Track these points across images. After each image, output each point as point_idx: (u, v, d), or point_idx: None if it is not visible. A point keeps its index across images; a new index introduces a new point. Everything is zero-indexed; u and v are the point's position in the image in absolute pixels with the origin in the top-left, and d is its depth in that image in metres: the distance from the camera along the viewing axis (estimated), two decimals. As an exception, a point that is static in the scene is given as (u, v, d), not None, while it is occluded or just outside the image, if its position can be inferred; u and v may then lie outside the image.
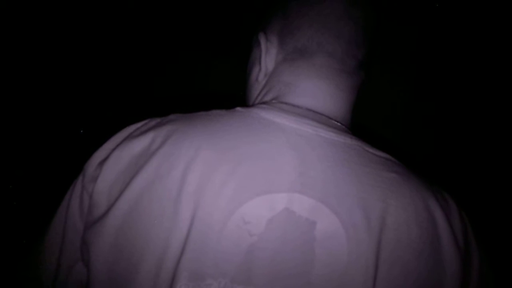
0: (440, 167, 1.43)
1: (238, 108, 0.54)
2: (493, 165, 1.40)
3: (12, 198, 1.30)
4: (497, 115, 1.40)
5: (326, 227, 0.45)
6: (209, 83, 1.41)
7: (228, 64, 1.36)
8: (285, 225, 0.45)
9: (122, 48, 1.44)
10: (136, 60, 1.45)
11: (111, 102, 1.43)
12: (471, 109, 1.43)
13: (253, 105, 0.56)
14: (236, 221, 0.45)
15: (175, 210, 0.45)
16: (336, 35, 0.55)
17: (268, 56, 0.58)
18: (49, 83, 1.40)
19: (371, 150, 0.52)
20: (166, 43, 1.44)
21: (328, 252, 0.44)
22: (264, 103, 0.56)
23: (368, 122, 1.36)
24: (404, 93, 1.46)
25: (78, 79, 1.43)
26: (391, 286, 0.45)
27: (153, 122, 0.52)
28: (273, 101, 0.56)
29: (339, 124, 0.55)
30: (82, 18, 1.40)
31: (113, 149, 0.50)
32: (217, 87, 1.37)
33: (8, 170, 1.32)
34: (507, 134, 1.38)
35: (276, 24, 0.58)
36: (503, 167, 1.39)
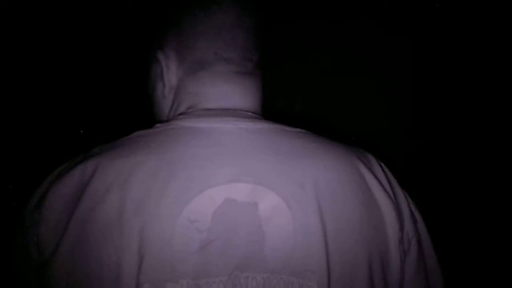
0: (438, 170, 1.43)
1: (158, 124, 0.56)
2: (488, 162, 1.40)
3: (12, 198, 1.30)
4: (494, 114, 1.40)
5: (267, 205, 0.48)
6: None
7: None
8: (230, 214, 0.48)
9: (122, 47, 1.44)
10: (136, 60, 1.45)
11: (111, 102, 1.43)
12: (466, 110, 1.43)
13: (170, 118, 0.60)
14: (183, 223, 0.47)
15: (120, 230, 0.46)
16: (230, 43, 0.59)
17: (169, 72, 0.60)
18: (49, 83, 1.40)
19: (289, 128, 0.56)
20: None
21: (275, 226, 0.48)
22: (180, 114, 0.59)
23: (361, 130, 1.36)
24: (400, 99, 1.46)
25: (78, 79, 1.43)
26: (341, 240, 0.49)
27: (79, 158, 0.54)
28: (189, 110, 0.59)
29: (253, 114, 0.59)
30: (82, 18, 1.40)
31: (46, 191, 0.51)
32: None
33: (8, 170, 1.32)
34: (504, 133, 1.38)
35: (171, 40, 0.60)
36: (497, 164, 1.39)
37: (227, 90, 0.59)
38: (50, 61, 1.40)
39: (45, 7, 1.35)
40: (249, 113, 0.58)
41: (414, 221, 0.56)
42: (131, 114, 1.43)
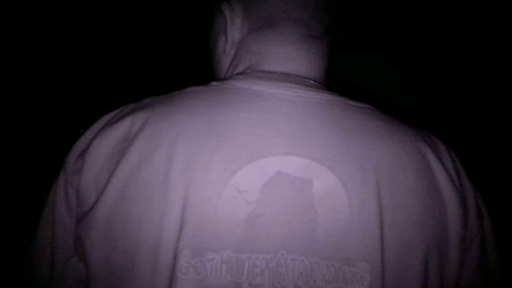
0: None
1: (213, 82, 0.53)
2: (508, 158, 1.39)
3: (12, 198, 1.30)
4: (495, 115, 1.40)
5: (323, 184, 0.45)
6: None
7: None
8: (281, 188, 0.45)
9: (122, 47, 1.44)
10: (136, 60, 1.45)
11: (111, 102, 1.42)
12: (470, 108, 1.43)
13: (227, 77, 0.56)
14: (230, 192, 0.44)
15: (165, 191, 0.44)
16: (301, 1, 0.55)
17: (233, 27, 0.56)
18: (48, 83, 1.40)
19: (353, 102, 0.52)
20: (166, 42, 1.44)
21: (329, 208, 0.44)
22: (238, 74, 0.55)
23: None
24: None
25: (78, 79, 1.43)
26: (398, 231, 0.45)
27: (129, 107, 0.51)
28: (247, 70, 0.55)
29: (316, 83, 0.54)
30: (81, 18, 1.40)
31: (92, 139, 0.49)
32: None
33: (8, 170, 1.32)
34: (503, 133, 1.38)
35: None
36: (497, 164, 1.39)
37: (292, 52, 0.55)
38: (50, 61, 1.40)
39: (45, 7, 1.35)
40: (312, 81, 0.54)
41: (480, 217, 0.51)
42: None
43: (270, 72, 0.53)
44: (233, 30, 0.56)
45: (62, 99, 1.41)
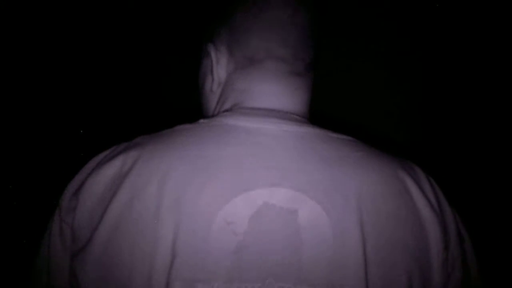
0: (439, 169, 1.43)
1: (202, 120, 0.55)
2: (501, 157, 1.40)
3: (12, 198, 1.30)
4: (494, 113, 1.40)
5: (308, 213, 0.47)
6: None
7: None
8: (268, 219, 0.47)
9: (122, 47, 1.44)
10: (136, 59, 1.45)
11: (111, 102, 1.43)
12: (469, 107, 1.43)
13: (214, 115, 0.59)
14: (219, 224, 0.46)
15: (156, 224, 0.46)
16: (282, 41, 0.57)
17: (219, 66, 0.59)
18: (49, 83, 1.40)
19: (335, 135, 0.55)
20: (166, 42, 1.44)
21: (314, 236, 0.47)
22: (225, 111, 0.58)
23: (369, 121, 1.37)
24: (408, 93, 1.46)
25: (78, 79, 1.43)
26: (381, 255, 0.48)
27: (121, 146, 0.54)
28: (234, 107, 0.57)
29: (299, 117, 0.57)
30: (82, 18, 1.40)
31: (85, 178, 0.51)
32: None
33: (8, 170, 1.32)
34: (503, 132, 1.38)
35: (223, 34, 0.58)
36: (496, 163, 1.39)
37: (275, 89, 0.57)
38: (50, 61, 1.40)
39: (45, 7, 1.35)
40: (295, 116, 0.57)
41: (461, 240, 0.53)
42: (131, 114, 1.43)
43: (254, 108, 0.56)
44: (219, 69, 0.59)
45: (62, 99, 1.41)
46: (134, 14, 1.43)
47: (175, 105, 1.33)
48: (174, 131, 0.54)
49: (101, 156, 0.54)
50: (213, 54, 0.59)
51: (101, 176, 0.50)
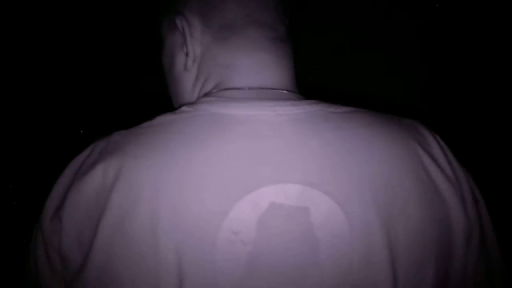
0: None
1: (184, 108, 0.48)
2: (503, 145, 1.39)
3: (12, 198, 1.30)
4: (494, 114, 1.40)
5: (320, 210, 0.42)
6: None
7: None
8: (278, 221, 0.42)
9: (122, 47, 1.44)
10: (136, 59, 1.45)
11: (111, 102, 1.43)
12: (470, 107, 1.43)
13: (198, 100, 0.51)
14: (225, 235, 0.41)
15: (155, 248, 0.41)
16: (263, 3, 0.52)
17: (193, 40, 0.52)
18: (49, 83, 1.40)
19: (334, 109, 0.48)
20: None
21: (330, 234, 0.41)
22: (207, 94, 0.51)
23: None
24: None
25: (78, 79, 1.43)
26: (407, 245, 0.43)
27: (97, 149, 0.47)
28: (215, 89, 0.51)
29: (291, 93, 0.51)
30: (82, 18, 1.40)
31: (65, 194, 0.45)
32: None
33: (8, 170, 1.32)
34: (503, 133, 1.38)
35: (194, 3, 0.53)
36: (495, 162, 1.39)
37: (261, 59, 0.51)
38: (50, 61, 1.40)
39: (45, 7, 1.35)
40: (286, 92, 0.51)
41: (476, 202, 0.48)
42: (131, 114, 1.43)
43: (241, 89, 0.50)
44: (193, 43, 0.52)
45: (62, 99, 1.41)
46: (134, 14, 1.43)
47: (175, 105, 1.33)
48: (155, 126, 0.47)
49: (79, 161, 0.47)
50: (184, 26, 0.52)
51: (82, 193, 0.44)
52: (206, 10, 0.52)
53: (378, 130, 0.47)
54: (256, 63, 0.51)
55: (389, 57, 1.45)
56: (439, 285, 0.44)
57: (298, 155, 0.43)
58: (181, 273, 0.40)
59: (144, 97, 1.45)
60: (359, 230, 0.42)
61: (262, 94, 0.49)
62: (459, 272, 0.45)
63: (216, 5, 0.52)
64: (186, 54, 0.53)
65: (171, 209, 0.41)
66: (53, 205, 0.46)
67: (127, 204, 0.42)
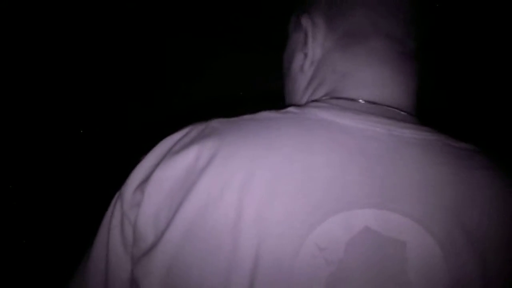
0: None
1: (291, 109, 0.46)
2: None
3: (12, 198, 1.30)
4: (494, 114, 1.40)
5: (417, 247, 0.38)
6: (214, 78, 1.41)
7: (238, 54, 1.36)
8: (369, 248, 0.38)
9: (122, 47, 1.44)
10: (137, 59, 1.45)
11: (111, 102, 1.43)
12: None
13: (306, 104, 0.49)
14: (309, 249, 0.37)
15: (235, 241, 0.38)
16: (393, 13, 0.48)
17: (315, 42, 0.50)
18: (49, 83, 1.40)
19: (453, 142, 0.44)
20: (167, 42, 1.44)
21: (425, 276, 0.37)
22: (317, 100, 0.49)
23: None
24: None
25: (78, 79, 1.43)
26: None
27: (194, 131, 0.45)
28: (325, 97, 0.48)
29: (408, 115, 0.47)
30: (82, 17, 1.40)
31: (154, 169, 0.43)
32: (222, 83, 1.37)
33: (8, 170, 1.32)
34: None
35: (322, 4, 0.50)
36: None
37: (382, 73, 0.48)
38: (50, 61, 1.40)
39: (45, 7, 1.35)
40: (403, 113, 0.47)
41: None
42: (131, 114, 1.43)
43: (356, 100, 0.46)
44: (314, 45, 0.50)
45: (62, 99, 1.41)
46: (134, 14, 1.43)
47: (175, 105, 1.33)
48: (258, 120, 0.44)
49: (171, 141, 0.45)
50: (308, 27, 0.50)
51: (171, 169, 0.42)
52: (333, 14, 0.50)
53: (495, 176, 0.42)
54: (375, 76, 0.48)
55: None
56: None
57: (406, 183, 0.40)
58: (254, 275, 0.37)
59: (144, 97, 1.45)
60: (458, 276, 0.38)
61: (377, 109, 0.46)
62: None
63: (344, 10, 0.49)
64: (305, 55, 0.51)
65: (259, 204, 0.39)
66: (138, 177, 0.44)
67: (216, 189, 0.39)
